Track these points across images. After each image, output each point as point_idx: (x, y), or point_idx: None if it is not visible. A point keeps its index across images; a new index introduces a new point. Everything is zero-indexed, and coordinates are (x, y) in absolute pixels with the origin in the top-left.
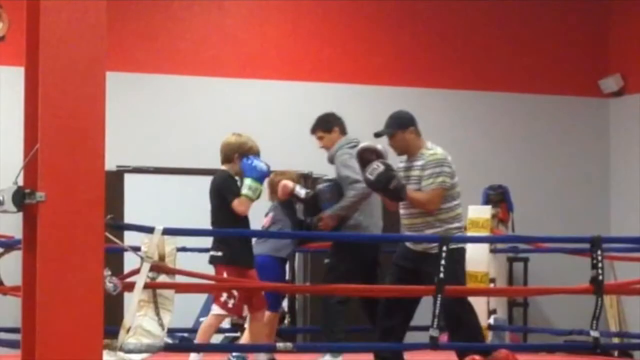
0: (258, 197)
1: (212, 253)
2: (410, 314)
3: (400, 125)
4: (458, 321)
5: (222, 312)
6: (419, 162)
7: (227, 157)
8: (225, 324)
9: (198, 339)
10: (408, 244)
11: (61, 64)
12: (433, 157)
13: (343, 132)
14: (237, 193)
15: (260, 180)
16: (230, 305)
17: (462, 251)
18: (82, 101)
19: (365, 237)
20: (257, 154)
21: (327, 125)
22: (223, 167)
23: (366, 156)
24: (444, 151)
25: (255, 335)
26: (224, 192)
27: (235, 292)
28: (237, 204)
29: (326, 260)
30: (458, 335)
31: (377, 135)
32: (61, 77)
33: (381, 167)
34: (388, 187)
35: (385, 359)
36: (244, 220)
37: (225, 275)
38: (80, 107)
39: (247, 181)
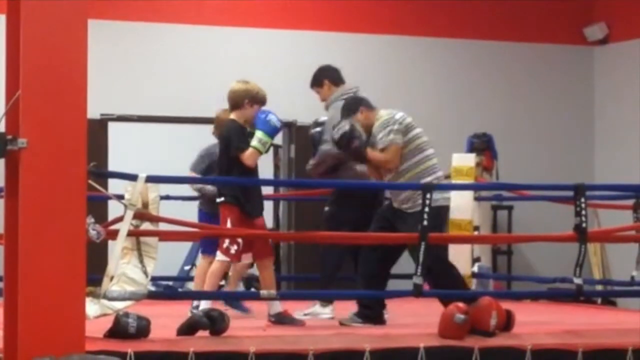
0: (267, 150)
1: (217, 201)
2: (390, 265)
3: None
4: (437, 276)
5: (225, 258)
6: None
7: (236, 104)
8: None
9: (206, 287)
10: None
11: (43, 11)
12: (378, 122)
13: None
14: (245, 144)
15: (272, 135)
16: (232, 252)
17: (440, 210)
18: (64, 48)
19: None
20: (264, 100)
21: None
22: (232, 116)
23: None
24: (389, 112)
25: (266, 282)
26: (232, 143)
27: (239, 239)
28: (245, 157)
29: (326, 208)
30: (440, 287)
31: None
32: (43, 24)
33: (346, 127)
34: (350, 146)
35: (367, 307)
36: (251, 172)
37: (229, 220)
38: (62, 54)
39: (259, 134)
